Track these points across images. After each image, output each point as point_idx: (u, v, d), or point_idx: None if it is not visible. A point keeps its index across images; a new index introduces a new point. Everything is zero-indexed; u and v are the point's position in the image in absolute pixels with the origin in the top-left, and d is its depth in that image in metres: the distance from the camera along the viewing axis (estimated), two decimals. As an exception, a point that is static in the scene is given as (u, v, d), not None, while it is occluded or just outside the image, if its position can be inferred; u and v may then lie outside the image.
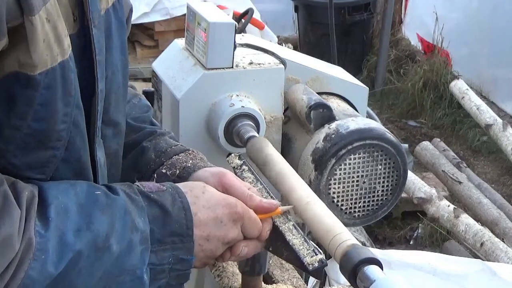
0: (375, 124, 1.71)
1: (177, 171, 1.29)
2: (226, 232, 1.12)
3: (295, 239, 1.21)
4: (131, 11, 1.34)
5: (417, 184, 3.65)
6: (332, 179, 1.65)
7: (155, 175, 1.31)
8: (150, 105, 1.48)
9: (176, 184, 1.14)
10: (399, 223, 4.45)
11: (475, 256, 3.15)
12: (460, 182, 3.93)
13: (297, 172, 1.43)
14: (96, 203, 1.01)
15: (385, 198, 1.71)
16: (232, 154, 1.47)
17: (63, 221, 0.96)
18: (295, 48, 4.99)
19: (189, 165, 1.29)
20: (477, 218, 3.55)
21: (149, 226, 1.04)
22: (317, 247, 1.20)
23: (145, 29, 4.70)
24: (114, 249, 1.00)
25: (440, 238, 4.13)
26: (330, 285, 1.81)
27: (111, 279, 1.01)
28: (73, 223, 0.97)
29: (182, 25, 3.34)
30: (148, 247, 1.04)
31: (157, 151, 1.34)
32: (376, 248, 3.32)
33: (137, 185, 1.10)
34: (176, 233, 1.07)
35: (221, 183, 1.21)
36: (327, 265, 1.19)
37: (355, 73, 5.93)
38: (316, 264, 1.16)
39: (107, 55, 1.11)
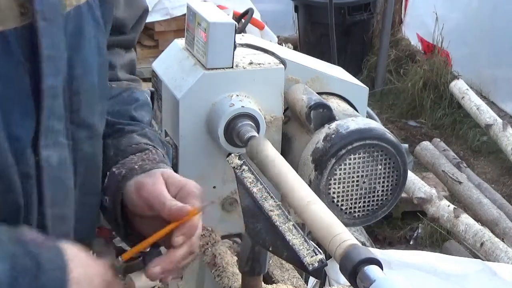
0: (375, 124, 1.71)
1: (123, 171, 1.25)
2: None
3: (295, 239, 1.21)
4: (145, 11, 1.29)
5: (417, 184, 3.65)
6: (332, 179, 1.65)
7: (108, 173, 1.27)
8: (143, 98, 1.42)
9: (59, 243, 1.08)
10: (399, 223, 4.45)
11: (475, 256, 3.15)
12: (460, 182, 3.94)
13: (297, 172, 1.43)
14: None
15: (385, 198, 1.71)
16: (232, 154, 1.47)
17: None
18: (295, 48, 4.99)
19: (136, 167, 1.25)
20: (477, 218, 3.55)
21: (9, 274, 0.96)
22: (317, 247, 1.20)
23: (145, 29, 4.70)
24: None
25: (440, 238, 4.14)
26: (330, 285, 1.81)
27: None
28: None
29: (182, 25, 3.34)
30: None
31: (116, 148, 1.30)
32: (376, 248, 3.32)
33: (23, 232, 1.04)
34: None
35: (140, 197, 1.18)
36: (327, 265, 1.19)
37: (355, 73, 5.93)
38: (316, 264, 1.16)
39: (75, 53, 1.08)
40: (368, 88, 1.91)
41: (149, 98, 1.46)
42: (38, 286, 0.99)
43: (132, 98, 1.39)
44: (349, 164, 1.65)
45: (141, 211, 1.21)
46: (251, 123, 1.64)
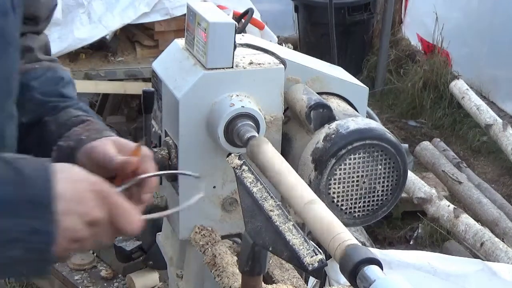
0: (375, 124, 1.71)
1: (72, 143, 1.27)
2: (88, 209, 1.05)
3: (295, 239, 1.21)
4: (55, 5, 1.33)
5: (417, 184, 3.65)
6: (332, 179, 1.65)
7: (56, 147, 1.29)
8: (64, 77, 1.45)
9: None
10: (399, 223, 4.45)
11: (475, 256, 3.15)
12: (460, 182, 3.94)
13: (297, 172, 1.43)
14: None
15: (385, 198, 1.71)
16: (232, 154, 1.47)
17: None
18: (295, 48, 5.00)
19: (83, 137, 1.27)
20: (477, 218, 3.55)
21: None
22: (317, 247, 1.21)
23: (145, 29, 4.70)
24: None
25: (440, 238, 4.14)
26: (330, 285, 1.81)
27: None
28: None
29: (182, 25, 3.34)
30: None
31: (58, 123, 1.33)
32: (376, 248, 3.32)
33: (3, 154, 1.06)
34: (32, 200, 1.00)
35: (90, 159, 1.20)
36: (327, 265, 1.19)
37: (355, 73, 5.94)
38: (316, 264, 1.16)
39: None
40: (368, 88, 1.91)
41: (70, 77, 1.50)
42: (20, 196, 1.00)
43: (58, 77, 1.43)
44: (349, 164, 1.65)
45: (95, 173, 1.19)
46: (251, 123, 1.64)
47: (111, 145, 1.22)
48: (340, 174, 1.65)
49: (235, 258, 1.65)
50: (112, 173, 1.19)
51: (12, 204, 1.00)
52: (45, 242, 1.02)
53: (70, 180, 1.05)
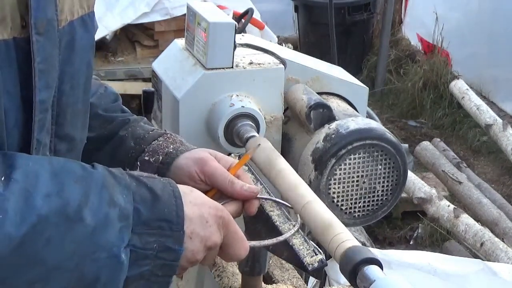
0: (375, 124, 1.71)
1: (160, 157, 1.28)
2: (210, 234, 1.08)
3: (295, 239, 1.21)
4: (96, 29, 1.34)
5: (417, 184, 3.65)
6: (332, 179, 1.65)
7: (138, 163, 1.30)
8: (117, 93, 1.47)
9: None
10: (399, 223, 4.45)
11: (475, 256, 3.15)
12: (460, 182, 3.94)
13: (297, 172, 1.43)
14: (70, 173, 0.98)
15: (385, 198, 1.71)
16: (232, 154, 1.47)
17: (32, 184, 0.93)
18: (295, 48, 4.99)
19: (171, 150, 1.29)
20: (477, 218, 3.55)
21: (132, 205, 1.01)
22: (317, 247, 1.21)
23: (145, 29, 4.70)
24: (88, 222, 0.96)
25: (440, 238, 4.13)
26: (330, 285, 1.81)
27: (86, 255, 0.97)
28: (43, 187, 0.94)
29: (182, 25, 3.35)
30: (128, 225, 1.00)
31: (136, 138, 1.34)
32: (376, 248, 3.32)
33: (128, 170, 1.08)
34: (165, 218, 1.03)
35: (202, 172, 1.21)
36: (327, 265, 1.19)
37: (355, 73, 5.93)
38: (316, 264, 1.16)
39: (67, 67, 1.09)
40: (368, 88, 1.92)
41: None
42: (154, 214, 1.02)
43: (111, 93, 1.45)
44: (349, 164, 1.65)
45: (196, 185, 1.23)
46: (251, 123, 1.64)
47: (219, 167, 1.24)
48: (340, 174, 1.65)
49: (235, 258, 1.65)
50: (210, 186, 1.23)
51: (146, 224, 1.02)
52: (173, 260, 1.04)
53: (194, 204, 1.08)
